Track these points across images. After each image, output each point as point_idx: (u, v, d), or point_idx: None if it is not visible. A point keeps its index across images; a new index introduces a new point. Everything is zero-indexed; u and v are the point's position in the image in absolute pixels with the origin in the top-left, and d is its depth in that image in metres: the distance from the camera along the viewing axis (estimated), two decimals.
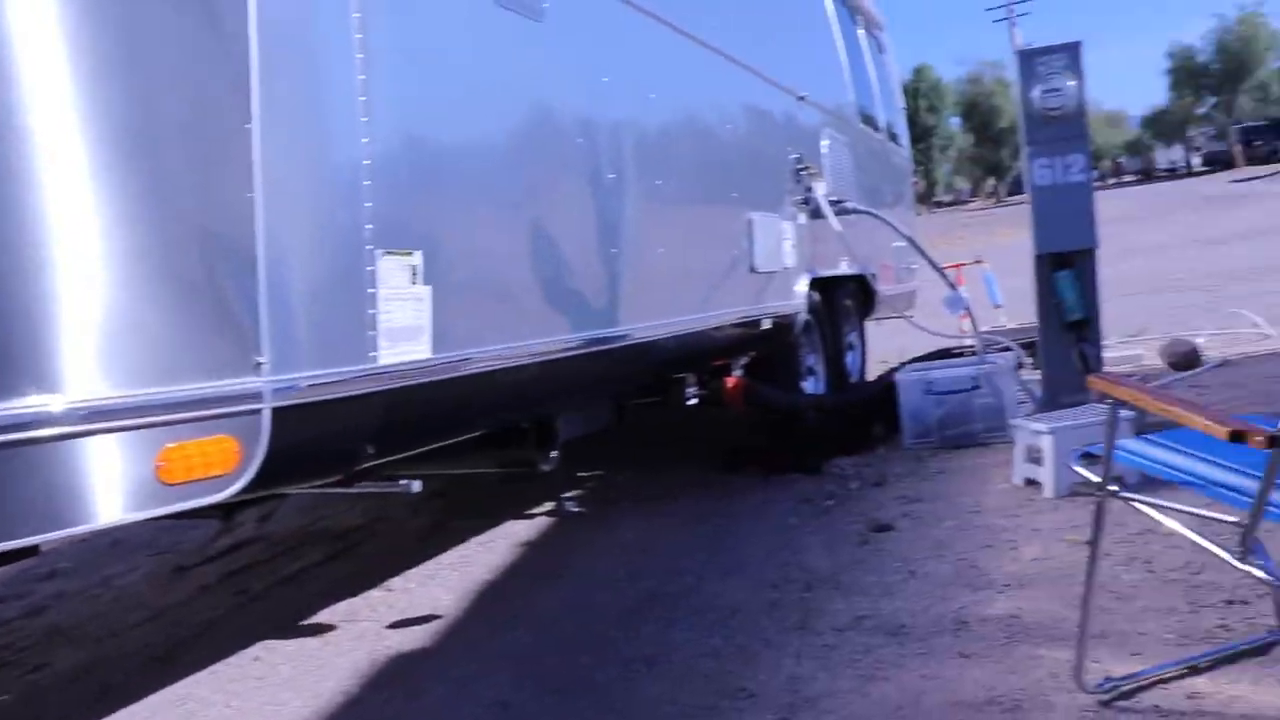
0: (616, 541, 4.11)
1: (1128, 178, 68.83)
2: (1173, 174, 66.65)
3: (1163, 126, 67.30)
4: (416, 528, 4.71)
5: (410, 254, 2.40)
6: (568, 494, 4.87)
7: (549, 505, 4.78)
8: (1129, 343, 7.71)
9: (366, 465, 2.50)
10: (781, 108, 5.40)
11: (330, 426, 2.27)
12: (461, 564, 4.04)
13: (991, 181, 69.77)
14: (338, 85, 2.30)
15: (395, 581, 3.86)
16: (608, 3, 3.51)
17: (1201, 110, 63.92)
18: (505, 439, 3.19)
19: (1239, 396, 5.40)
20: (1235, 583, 2.85)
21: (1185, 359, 6.44)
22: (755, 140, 4.98)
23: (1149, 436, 2.49)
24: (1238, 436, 1.90)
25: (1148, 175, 68.24)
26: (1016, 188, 66.91)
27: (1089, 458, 2.49)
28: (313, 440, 2.24)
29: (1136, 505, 2.26)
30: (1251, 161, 56.79)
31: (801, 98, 5.62)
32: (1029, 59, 5.45)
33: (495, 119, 2.85)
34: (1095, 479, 2.34)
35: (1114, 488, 2.30)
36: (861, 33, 7.70)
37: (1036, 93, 5.38)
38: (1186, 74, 61.33)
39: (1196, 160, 66.75)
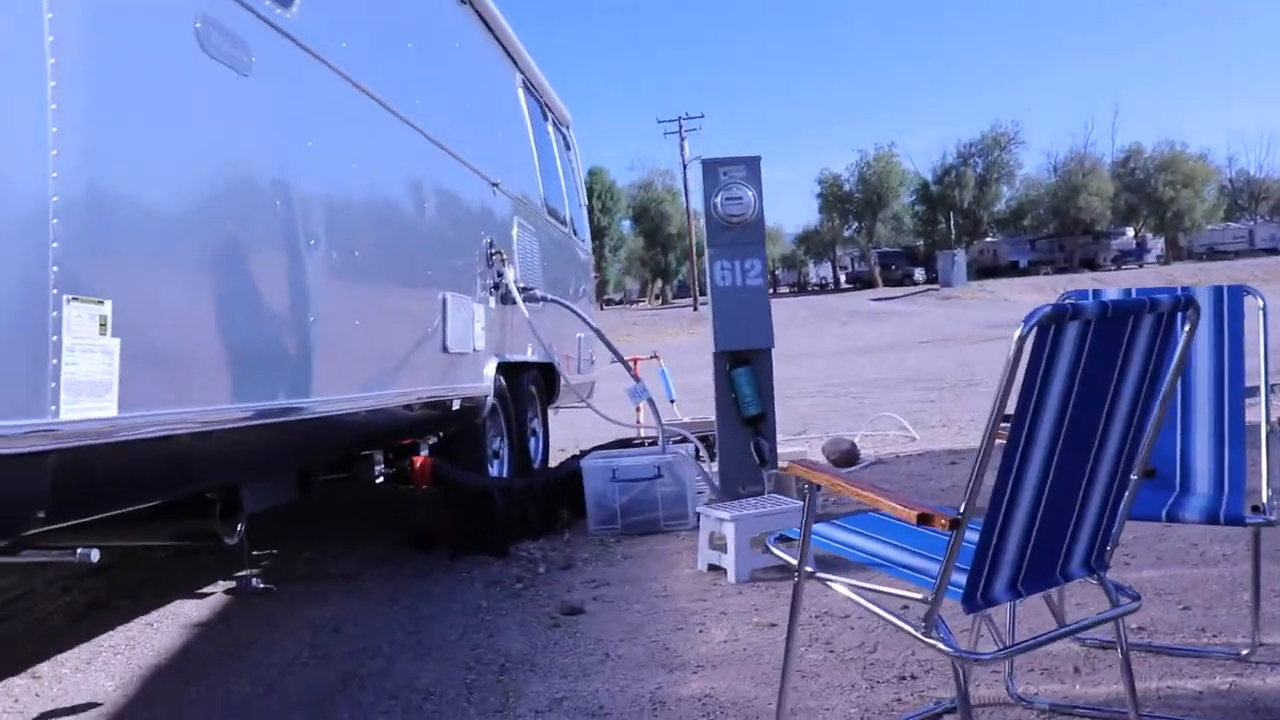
0: (303, 621, 3.89)
1: (783, 289, 73.94)
2: (822, 289, 72.38)
3: (813, 244, 73.16)
4: (70, 607, 4.27)
5: (101, 303, 2.20)
6: (247, 571, 4.57)
7: (224, 583, 4.47)
8: (793, 440, 8.21)
9: (33, 532, 2.24)
10: (477, 192, 5.43)
11: None
12: (126, 646, 3.68)
13: (659, 283, 72.96)
14: (24, 113, 2.10)
15: (44, 668, 3.46)
16: (316, 67, 3.41)
17: (847, 233, 70.06)
18: (188, 509, 2.97)
19: (894, 491, 5.84)
20: (905, 660, 3.07)
21: (846, 456, 6.92)
22: (452, 221, 4.97)
23: (835, 521, 2.64)
24: (925, 520, 2.05)
25: (801, 288, 73.73)
26: (682, 291, 70.52)
27: (785, 540, 2.61)
28: None
29: (832, 585, 2.37)
30: (888, 283, 62.90)
31: (496, 184, 5.68)
32: (713, 167, 5.77)
33: (197, 171, 2.69)
34: (792, 561, 2.46)
35: (810, 568, 2.41)
36: (550, 128, 7.91)
37: (719, 199, 5.70)
38: (834, 199, 67.22)
39: (843, 278, 72.90)
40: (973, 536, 2.05)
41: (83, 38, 2.24)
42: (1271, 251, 62.18)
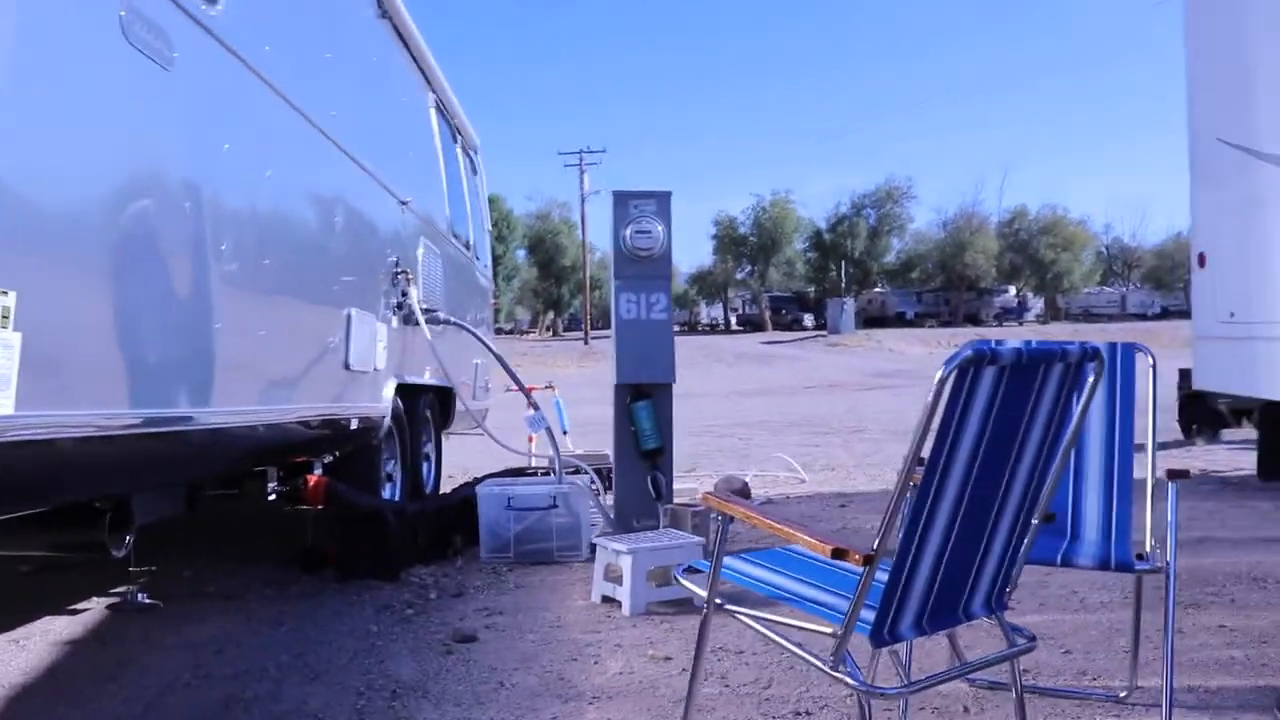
0: (183, 640, 3.74)
1: (674, 328, 74.37)
2: (713, 329, 73.03)
3: (706, 285, 73.87)
4: None
5: (4, 293, 2.11)
6: (132, 586, 4.38)
7: (98, 599, 4.28)
8: (684, 477, 8.23)
9: None
10: (387, 210, 5.37)
11: None
12: None
13: (551, 315, 72.85)
14: None
15: None
16: (237, 68, 3.34)
17: (740, 275, 70.97)
18: (75, 517, 2.85)
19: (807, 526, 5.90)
20: (799, 696, 3.09)
21: (738, 495, 6.97)
22: (361, 236, 4.90)
23: (742, 555, 2.65)
24: (839, 554, 2.08)
25: (691, 328, 74.25)
26: (573, 324, 70.50)
27: (693, 571, 2.62)
28: None
29: (739, 617, 2.37)
30: (778, 327, 63.88)
31: (405, 203, 5.63)
32: (624, 200, 5.81)
33: (111, 165, 2.60)
34: (701, 592, 2.46)
35: (719, 600, 2.42)
36: (460, 151, 7.89)
37: (628, 232, 5.74)
38: (729, 241, 68.02)
39: (733, 319, 73.74)
40: (879, 575, 2.08)
41: None
42: (1141, 317, 64.95)
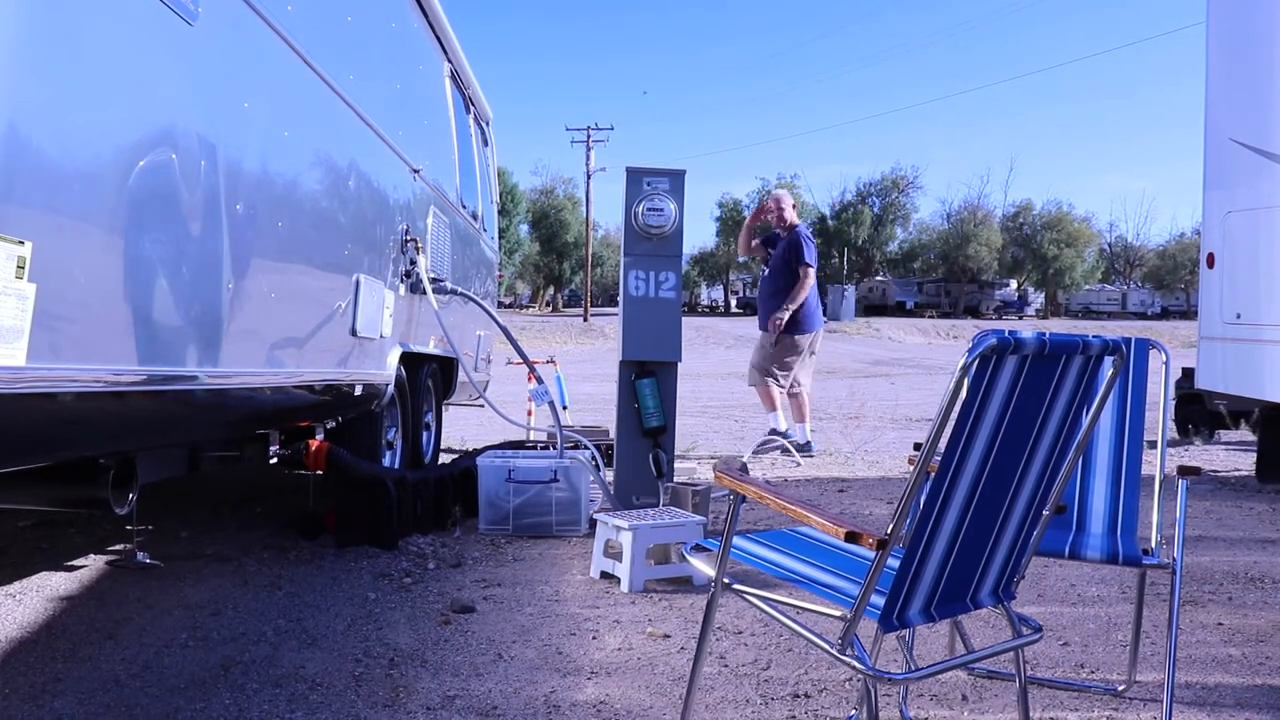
0: (180, 601, 3.73)
1: None
2: (712, 311, 72.94)
3: (708, 267, 73.80)
4: None
5: (20, 243, 2.08)
6: (132, 544, 4.36)
7: (95, 556, 4.27)
8: (682, 456, 8.23)
9: None
10: (399, 177, 5.33)
11: None
12: None
13: (551, 290, 72.79)
14: None
15: None
16: (260, 27, 3.30)
17: (742, 259, 70.82)
18: (78, 473, 2.82)
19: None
20: (798, 678, 3.08)
21: None
22: (373, 202, 4.86)
23: (750, 536, 2.64)
24: (852, 538, 2.07)
25: (691, 309, 74.20)
26: (573, 300, 70.42)
27: (699, 550, 2.61)
28: None
29: (746, 597, 2.36)
30: None
31: (417, 171, 5.59)
32: (637, 176, 5.78)
33: (130, 119, 2.56)
34: (710, 571, 2.45)
35: (727, 580, 2.41)
36: (472, 121, 7.84)
37: (640, 208, 5.70)
38: (733, 224, 67.81)
39: (734, 302, 73.71)
40: (890, 561, 2.06)
41: None
42: (1141, 315, 65.04)
